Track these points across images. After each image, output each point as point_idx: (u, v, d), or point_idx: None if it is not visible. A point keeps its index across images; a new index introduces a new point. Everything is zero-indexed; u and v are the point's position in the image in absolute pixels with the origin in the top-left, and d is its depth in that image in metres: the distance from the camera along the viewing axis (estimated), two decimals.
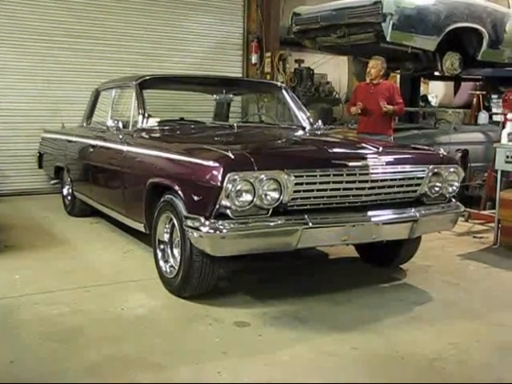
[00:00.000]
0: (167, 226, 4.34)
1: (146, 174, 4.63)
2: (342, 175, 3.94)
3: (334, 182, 3.92)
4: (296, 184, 3.75)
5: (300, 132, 5.63)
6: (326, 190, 3.91)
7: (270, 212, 3.75)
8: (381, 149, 4.33)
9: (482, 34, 8.17)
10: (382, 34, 7.52)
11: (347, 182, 3.97)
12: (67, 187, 7.15)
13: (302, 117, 5.91)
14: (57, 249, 5.54)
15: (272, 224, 3.73)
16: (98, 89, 6.87)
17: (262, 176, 3.66)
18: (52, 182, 7.87)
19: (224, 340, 3.50)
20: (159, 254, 4.43)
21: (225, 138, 5.08)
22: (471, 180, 7.81)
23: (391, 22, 7.35)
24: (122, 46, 9.26)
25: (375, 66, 6.89)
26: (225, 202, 3.62)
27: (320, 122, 5.86)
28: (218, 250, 3.76)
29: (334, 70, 11.49)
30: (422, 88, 11.13)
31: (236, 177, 3.59)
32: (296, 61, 10.59)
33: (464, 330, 3.76)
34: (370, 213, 4.08)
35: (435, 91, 12.79)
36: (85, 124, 6.92)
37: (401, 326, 3.78)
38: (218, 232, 3.63)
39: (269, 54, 10.18)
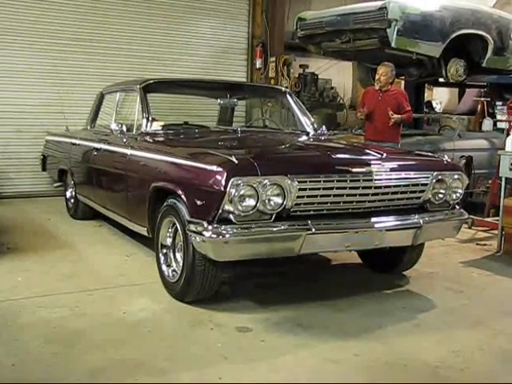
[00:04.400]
0: (170, 230, 4.34)
1: (150, 178, 4.63)
2: (346, 181, 3.93)
3: (337, 188, 3.91)
4: (299, 189, 3.75)
5: (304, 137, 5.63)
6: (329, 195, 3.90)
7: (273, 217, 3.74)
8: (385, 155, 4.32)
9: (487, 41, 8.15)
10: (386, 40, 7.51)
11: (351, 188, 3.96)
12: (70, 190, 7.16)
13: (306, 122, 5.91)
14: (59, 252, 5.53)
15: (275, 229, 3.72)
16: (103, 92, 6.88)
17: (266, 181, 3.65)
18: (55, 184, 7.87)
19: (226, 345, 3.49)
20: (162, 258, 4.42)
21: (228, 142, 5.08)
22: (475, 187, 7.79)
23: (396, 28, 7.35)
24: (127, 49, 9.27)
25: (385, 73, 6.79)
26: (228, 207, 3.62)
27: (324, 127, 5.86)
28: (221, 255, 3.75)
29: (339, 75, 11.48)
30: (426, 94, 11.12)
31: (239, 182, 3.59)
32: (300, 66, 10.59)
33: (467, 338, 3.74)
34: (373, 219, 4.07)
35: (440, 97, 12.78)
36: (89, 127, 6.92)
37: (404, 333, 3.76)
38: (220, 237, 3.63)
39: (273, 59, 10.19)
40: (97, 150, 6.03)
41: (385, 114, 6.71)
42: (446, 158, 4.70)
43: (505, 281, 5.09)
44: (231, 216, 3.65)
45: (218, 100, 6.47)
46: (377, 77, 6.87)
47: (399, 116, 6.71)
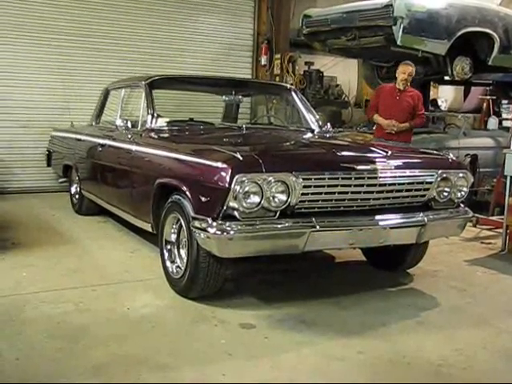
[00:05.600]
0: (174, 226, 4.34)
1: (154, 174, 4.63)
2: (351, 178, 3.92)
3: (342, 186, 3.90)
4: (304, 187, 3.74)
5: (309, 134, 5.62)
6: (334, 193, 3.90)
7: (278, 214, 3.74)
8: (389, 153, 4.31)
9: (493, 39, 8.13)
10: (392, 38, 7.49)
11: (355, 186, 3.95)
12: (75, 186, 7.17)
13: (311, 119, 5.91)
14: (64, 247, 5.55)
15: (279, 226, 3.72)
16: (108, 88, 6.88)
17: (270, 178, 3.65)
18: (60, 180, 7.91)
19: (229, 341, 3.49)
20: (166, 255, 4.43)
21: (233, 139, 5.07)
22: (480, 185, 7.77)
23: (402, 26, 7.33)
24: (132, 45, 9.28)
25: (412, 72, 6.66)
26: (232, 204, 3.61)
27: (329, 124, 5.85)
28: (225, 252, 3.75)
29: (344, 72, 11.47)
30: (431, 92, 11.08)
31: (244, 178, 3.59)
32: (306, 63, 10.57)
33: (470, 336, 3.74)
34: (377, 217, 4.06)
35: (445, 96, 12.74)
36: (94, 123, 6.93)
37: (407, 331, 3.76)
38: (225, 233, 3.63)
39: (278, 56, 10.18)
40: (102, 145, 6.04)
41: (401, 114, 6.62)
42: (451, 156, 4.69)
43: (509, 279, 5.08)
44: (236, 213, 3.64)
45: (223, 97, 6.46)
46: (403, 76, 6.64)
47: (405, 125, 6.64)
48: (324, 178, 3.83)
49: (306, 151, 4.80)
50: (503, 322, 4.02)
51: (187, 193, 3.99)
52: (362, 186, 3.98)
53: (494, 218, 6.85)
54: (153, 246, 5.34)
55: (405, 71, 6.67)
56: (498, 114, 10.14)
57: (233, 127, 5.81)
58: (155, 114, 5.24)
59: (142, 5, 9.34)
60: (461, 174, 4.43)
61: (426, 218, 4.21)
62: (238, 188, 3.57)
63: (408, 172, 4.20)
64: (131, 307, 4.00)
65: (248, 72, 10.48)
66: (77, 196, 7.13)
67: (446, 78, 9.19)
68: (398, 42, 7.44)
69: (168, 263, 4.40)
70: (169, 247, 4.42)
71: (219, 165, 3.74)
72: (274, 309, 4.04)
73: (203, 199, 3.83)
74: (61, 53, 8.78)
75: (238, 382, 3.02)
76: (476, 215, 6.46)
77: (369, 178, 3.98)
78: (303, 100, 6.20)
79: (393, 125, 6.62)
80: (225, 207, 3.64)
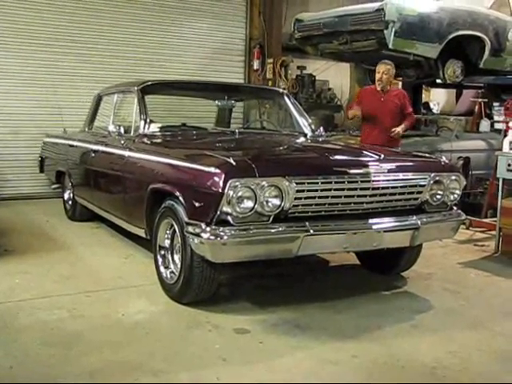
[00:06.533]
0: (168, 231, 4.34)
1: (148, 180, 4.62)
2: (344, 182, 3.93)
3: (335, 190, 3.91)
4: (297, 191, 3.75)
5: (301, 139, 5.62)
6: (327, 197, 3.90)
7: (271, 219, 3.74)
8: (382, 156, 4.32)
9: (484, 42, 8.17)
10: (384, 41, 7.51)
11: (349, 190, 3.96)
12: (68, 192, 7.15)
13: (304, 123, 5.91)
14: (57, 253, 5.53)
15: (273, 231, 3.72)
16: (100, 94, 6.87)
17: (264, 183, 3.65)
18: (53, 186, 7.88)
19: (224, 347, 3.49)
20: (160, 260, 4.42)
21: (226, 144, 5.08)
22: (473, 188, 7.79)
23: (393, 30, 7.36)
24: (125, 51, 9.27)
25: (387, 71, 6.39)
26: (226, 209, 3.61)
27: (321, 128, 5.85)
28: (219, 257, 3.75)
29: (336, 76, 11.50)
30: (423, 95, 11.13)
31: (237, 183, 3.59)
32: (298, 67, 10.60)
33: (465, 339, 3.75)
34: (371, 220, 4.07)
35: (437, 99, 12.78)
36: (86, 129, 6.92)
37: (401, 335, 3.77)
38: (218, 238, 3.62)
39: (271, 61, 10.20)
40: (94, 151, 6.03)
41: (389, 117, 6.39)
42: (444, 159, 4.71)
43: (502, 281, 5.09)
44: (229, 218, 3.64)
45: (216, 101, 6.47)
46: (378, 76, 6.46)
47: (401, 128, 6.38)
48: (317, 183, 3.84)
49: (299, 155, 4.80)
50: (498, 324, 4.03)
51: (180, 198, 3.99)
52: (356, 189, 3.99)
53: (487, 220, 6.86)
54: (146, 252, 5.33)
55: (379, 70, 6.45)
56: (490, 117, 10.16)
57: (226, 132, 5.82)
58: (148, 120, 5.23)
59: (135, 10, 9.33)
60: (453, 177, 4.44)
61: (419, 221, 4.22)
62: (231, 193, 3.57)
63: (401, 175, 4.21)
64: (125, 313, 3.99)
65: (240, 76, 10.49)
66: (70, 202, 7.11)
67: (438, 81, 9.22)
68: (390, 46, 7.46)
69: (162, 269, 4.39)
70: (162, 253, 4.41)
71: (212, 170, 3.74)
72: (269, 313, 4.04)
73: (197, 204, 3.83)
74: (52, 58, 8.75)
75: None
76: (469, 217, 6.47)
77: (362, 181, 3.99)
78: (296, 104, 6.20)
79: (396, 132, 6.31)
80: (218, 212, 3.64)
